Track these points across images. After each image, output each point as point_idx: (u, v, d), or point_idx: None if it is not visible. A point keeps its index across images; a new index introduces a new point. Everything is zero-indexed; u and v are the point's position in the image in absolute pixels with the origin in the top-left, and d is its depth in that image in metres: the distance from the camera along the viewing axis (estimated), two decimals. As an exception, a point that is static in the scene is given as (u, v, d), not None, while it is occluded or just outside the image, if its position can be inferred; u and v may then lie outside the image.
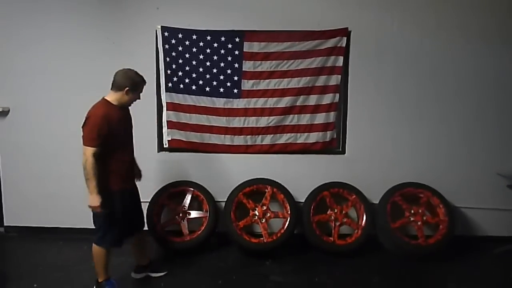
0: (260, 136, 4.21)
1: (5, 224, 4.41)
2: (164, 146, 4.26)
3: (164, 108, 4.17)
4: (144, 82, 3.04)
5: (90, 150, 2.77)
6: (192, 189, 4.10)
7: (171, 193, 4.10)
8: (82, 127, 2.84)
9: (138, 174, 3.36)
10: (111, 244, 3.04)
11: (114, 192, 2.94)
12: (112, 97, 2.95)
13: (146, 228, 3.49)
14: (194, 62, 4.09)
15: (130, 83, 2.92)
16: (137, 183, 3.31)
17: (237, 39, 4.05)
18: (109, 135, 2.83)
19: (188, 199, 4.08)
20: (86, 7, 4.06)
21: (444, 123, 4.17)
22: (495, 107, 4.13)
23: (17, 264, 3.79)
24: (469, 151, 4.19)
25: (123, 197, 3.01)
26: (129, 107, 3.12)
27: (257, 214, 4.02)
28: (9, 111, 4.21)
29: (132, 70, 2.99)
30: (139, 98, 3.09)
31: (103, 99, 2.95)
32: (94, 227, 3.01)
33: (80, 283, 3.37)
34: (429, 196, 4.05)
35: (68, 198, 4.18)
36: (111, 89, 2.96)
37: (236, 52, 4.07)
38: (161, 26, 4.03)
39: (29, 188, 4.31)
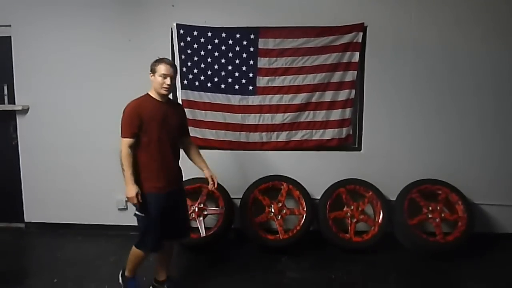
0: (276, 132, 4.20)
1: (25, 221, 4.50)
2: (180, 143, 4.27)
3: (180, 106, 4.19)
4: (160, 61, 2.82)
5: (124, 141, 2.76)
6: (207, 186, 4.10)
7: (187, 189, 4.09)
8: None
9: None
10: (150, 248, 2.93)
11: (148, 195, 2.80)
12: (152, 90, 2.89)
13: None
14: (209, 59, 4.10)
15: (151, 65, 2.86)
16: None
17: (252, 36, 4.05)
18: (141, 127, 2.77)
19: (204, 195, 4.10)
20: (102, 5, 4.11)
21: (462, 119, 4.10)
22: (514, 103, 4.06)
23: (37, 259, 3.86)
24: (488, 147, 4.12)
25: (157, 201, 2.84)
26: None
27: (273, 210, 4.02)
28: (28, 109, 4.29)
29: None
30: (167, 83, 2.79)
31: (146, 93, 2.91)
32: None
33: (98, 278, 3.41)
34: (448, 192, 3.99)
35: (87, 195, 4.25)
36: None
37: (251, 49, 4.07)
38: (177, 24, 4.04)
39: (49, 185, 4.38)
